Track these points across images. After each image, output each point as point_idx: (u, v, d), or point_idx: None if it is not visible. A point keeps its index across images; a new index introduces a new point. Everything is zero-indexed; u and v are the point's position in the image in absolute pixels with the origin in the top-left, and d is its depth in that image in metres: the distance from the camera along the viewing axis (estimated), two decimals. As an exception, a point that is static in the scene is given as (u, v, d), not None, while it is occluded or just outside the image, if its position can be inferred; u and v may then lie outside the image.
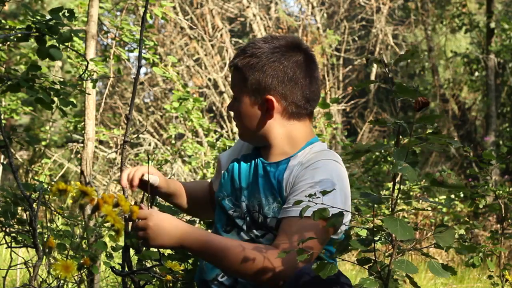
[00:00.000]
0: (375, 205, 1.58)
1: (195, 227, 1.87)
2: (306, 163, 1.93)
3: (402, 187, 1.60)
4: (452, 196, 6.07)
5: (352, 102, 9.72)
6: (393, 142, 1.55)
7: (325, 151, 1.98)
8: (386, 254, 1.60)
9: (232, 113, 2.14)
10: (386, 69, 1.54)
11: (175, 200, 2.22)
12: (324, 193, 1.63)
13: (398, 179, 1.54)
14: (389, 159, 6.52)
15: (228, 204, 2.04)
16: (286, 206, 1.87)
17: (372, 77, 10.87)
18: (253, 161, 2.04)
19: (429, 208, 6.04)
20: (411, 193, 5.30)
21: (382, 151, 6.40)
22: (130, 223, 1.91)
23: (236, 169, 2.06)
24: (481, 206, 3.24)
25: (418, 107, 1.51)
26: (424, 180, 5.77)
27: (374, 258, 1.55)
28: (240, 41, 9.43)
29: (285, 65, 1.96)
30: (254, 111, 1.99)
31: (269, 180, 1.97)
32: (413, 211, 5.85)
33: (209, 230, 2.46)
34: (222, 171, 2.13)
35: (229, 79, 8.77)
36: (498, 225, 5.29)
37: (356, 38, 10.41)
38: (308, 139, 2.01)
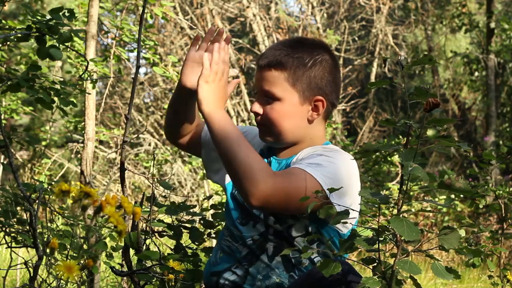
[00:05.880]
0: (378, 205, 1.58)
1: None
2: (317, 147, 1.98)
3: (402, 187, 1.60)
4: (452, 196, 6.07)
5: (352, 102, 9.72)
6: (393, 142, 1.54)
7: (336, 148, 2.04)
8: (388, 253, 1.60)
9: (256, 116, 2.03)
10: (402, 69, 1.53)
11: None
12: (335, 192, 1.64)
13: (405, 179, 1.54)
14: (389, 159, 6.52)
15: None
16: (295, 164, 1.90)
17: (372, 77, 10.86)
18: (266, 160, 2.03)
19: (430, 209, 6.04)
20: (411, 193, 5.30)
21: (382, 151, 6.40)
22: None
23: None
24: (481, 206, 3.24)
25: (429, 108, 1.49)
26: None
27: (378, 258, 1.55)
28: (240, 41, 9.43)
29: (328, 64, 1.99)
30: (300, 110, 1.98)
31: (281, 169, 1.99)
32: (414, 211, 5.85)
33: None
34: None
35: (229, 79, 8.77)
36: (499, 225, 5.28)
37: (356, 38, 10.40)
38: (324, 141, 2.05)
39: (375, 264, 1.57)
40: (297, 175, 1.82)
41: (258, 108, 1.98)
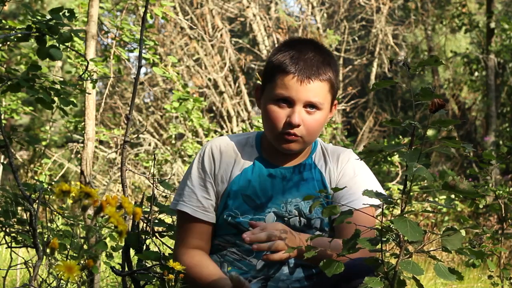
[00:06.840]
0: (382, 206, 1.58)
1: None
2: (335, 156, 2.02)
3: (401, 187, 1.60)
4: (452, 196, 6.07)
5: (352, 102, 9.72)
6: (393, 142, 1.54)
7: (331, 145, 2.08)
8: (388, 254, 1.59)
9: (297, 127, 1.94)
10: (408, 71, 1.52)
11: None
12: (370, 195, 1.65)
13: (408, 180, 1.54)
14: (389, 159, 6.52)
15: (245, 220, 1.95)
16: (344, 203, 1.90)
17: (372, 77, 10.86)
18: (267, 171, 1.98)
19: (430, 209, 6.05)
20: (411, 193, 5.27)
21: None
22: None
23: (250, 186, 1.96)
24: (481, 206, 3.24)
25: (434, 108, 1.48)
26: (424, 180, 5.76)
27: (381, 259, 1.55)
28: (240, 41, 9.42)
29: None
30: (327, 116, 1.98)
31: (310, 183, 1.96)
32: (414, 211, 5.84)
33: None
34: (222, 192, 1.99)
35: (229, 79, 8.79)
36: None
37: (356, 38, 10.40)
38: None
39: (378, 264, 1.57)
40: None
41: (299, 119, 1.91)
